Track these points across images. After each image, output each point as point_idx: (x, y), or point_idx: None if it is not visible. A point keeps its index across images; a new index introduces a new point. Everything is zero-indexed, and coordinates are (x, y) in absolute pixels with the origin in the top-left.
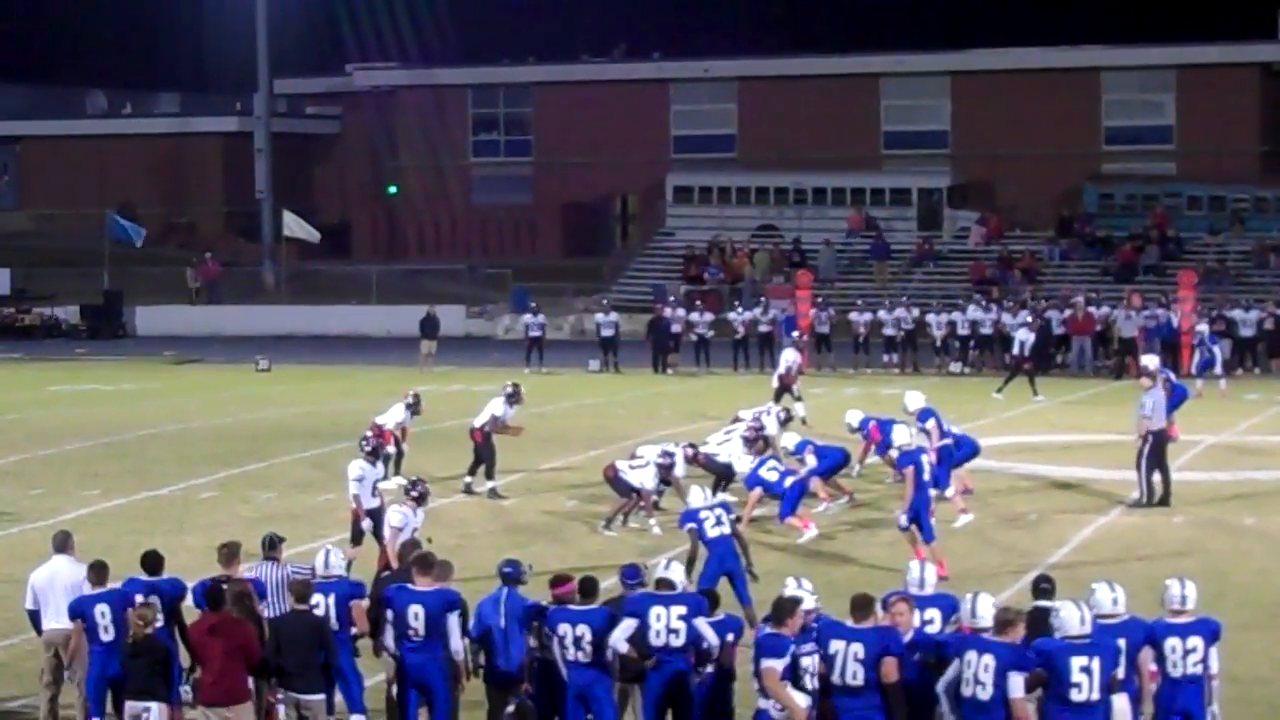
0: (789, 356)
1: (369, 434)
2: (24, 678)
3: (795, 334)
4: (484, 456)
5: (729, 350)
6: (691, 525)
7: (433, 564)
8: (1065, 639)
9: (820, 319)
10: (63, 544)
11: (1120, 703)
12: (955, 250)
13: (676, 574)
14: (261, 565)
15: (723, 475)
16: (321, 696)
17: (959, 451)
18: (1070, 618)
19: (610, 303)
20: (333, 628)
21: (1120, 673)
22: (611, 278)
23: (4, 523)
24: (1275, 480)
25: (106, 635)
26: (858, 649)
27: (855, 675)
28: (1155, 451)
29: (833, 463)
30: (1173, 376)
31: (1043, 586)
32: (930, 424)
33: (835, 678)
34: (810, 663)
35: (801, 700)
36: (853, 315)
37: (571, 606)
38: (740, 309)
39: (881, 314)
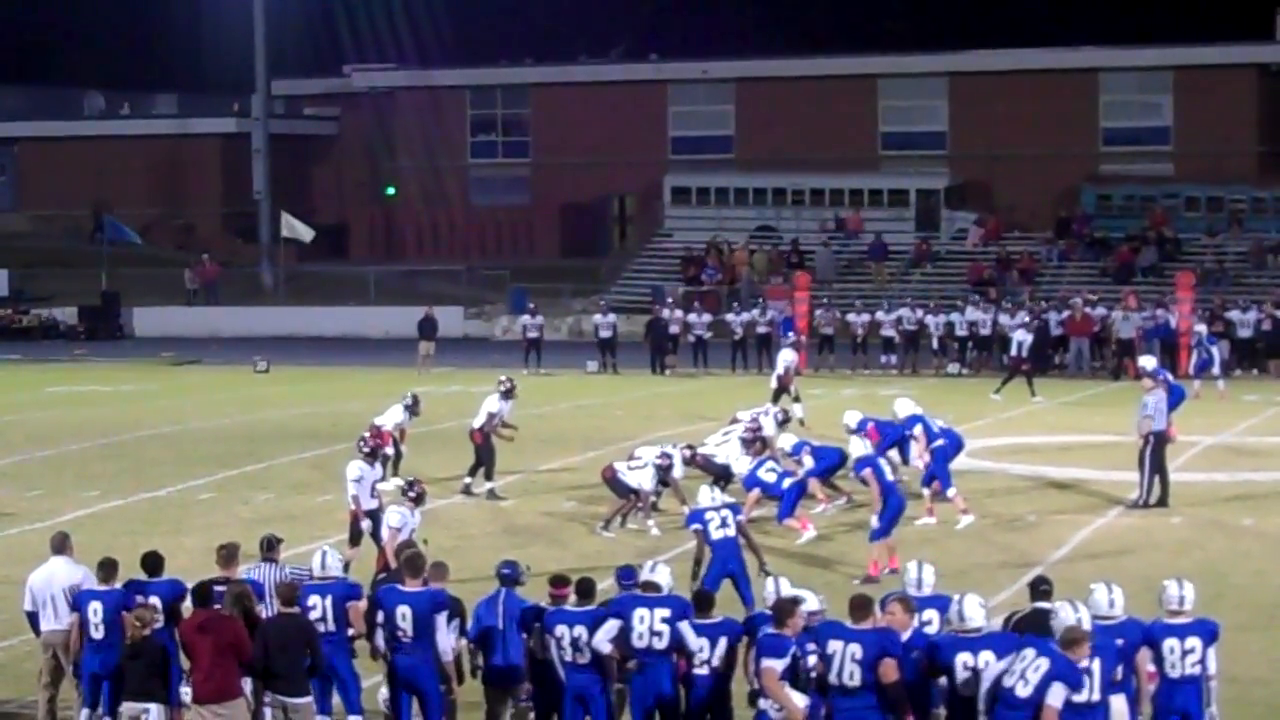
0: (787, 357)
1: (367, 435)
2: (22, 679)
3: (791, 335)
4: (483, 458)
5: (727, 351)
6: (697, 526)
7: (422, 565)
8: None
9: (823, 320)
10: (61, 545)
11: (1118, 703)
12: (953, 251)
13: (663, 576)
14: (259, 566)
15: (721, 476)
16: (308, 699)
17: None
18: (1068, 619)
19: (608, 304)
20: (330, 629)
21: (1118, 672)
22: (609, 279)
23: (2, 524)
24: (1273, 481)
25: (97, 633)
26: (855, 650)
27: (852, 676)
28: (1156, 452)
29: (830, 464)
30: (1170, 377)
31: (1041, 588)
32: (917, 430)
33: (833, 678)
34: (810, 662)
35: (800, 701)
36: (851, 316)
37: (569, 608)
38: (738, 310)
39: (879, 315)
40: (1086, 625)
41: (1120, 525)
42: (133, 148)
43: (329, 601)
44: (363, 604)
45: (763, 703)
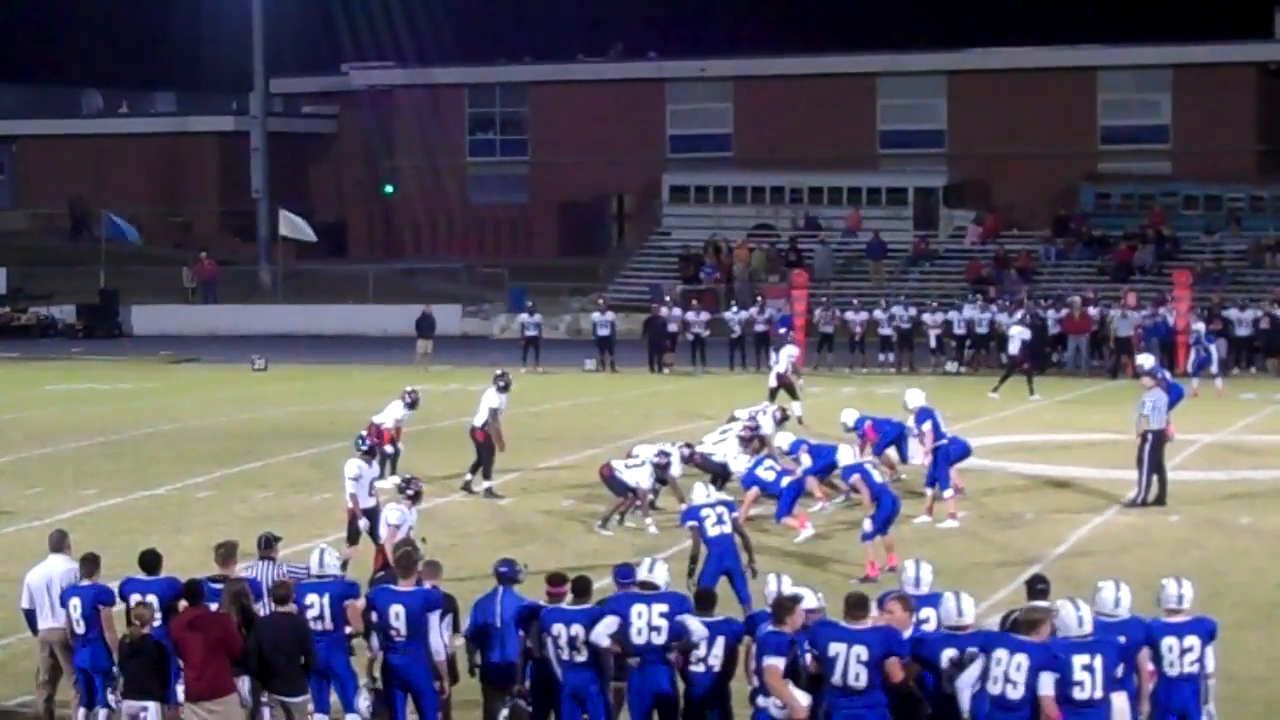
0: (790, 352)
1: (365, 433)
2: (20, 677)
3: (783, 331)
4: (483, 456)
5: (725, 349)
6: (693, 523)
7: (414, 564)
8: (1066, 638)
9: (823, 319)
10: (59, 543)
11: (1119, 701)
12: (951, 250)
13: (660, 575)
14: (257, 565)
15: (719, 475)
16: (305, 698)
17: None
18: (1069, 617)
19: (606, 302)
20: (327, 627)
21: (1119, 669)
22: (608, 277)
23: (1, 522)
24: (1271, 479)
25: (79, 628)
26: (860, 651)
27: (858, 677)
28: (1154, 451)
29: (828, 462)
30: (1168, 375)
31: (1039, 586)
32: (926, 426)
33: (836, 679)
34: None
35: (803, 699)
36: (849, 315)
37: (566, 606)
38: (736, 308)
39: (878, 313)
40: (1088, 623)
41: (1118, 524)
42: (131, 146)
43: (327, 600)
44: (360, 602)
45: (763, 700)
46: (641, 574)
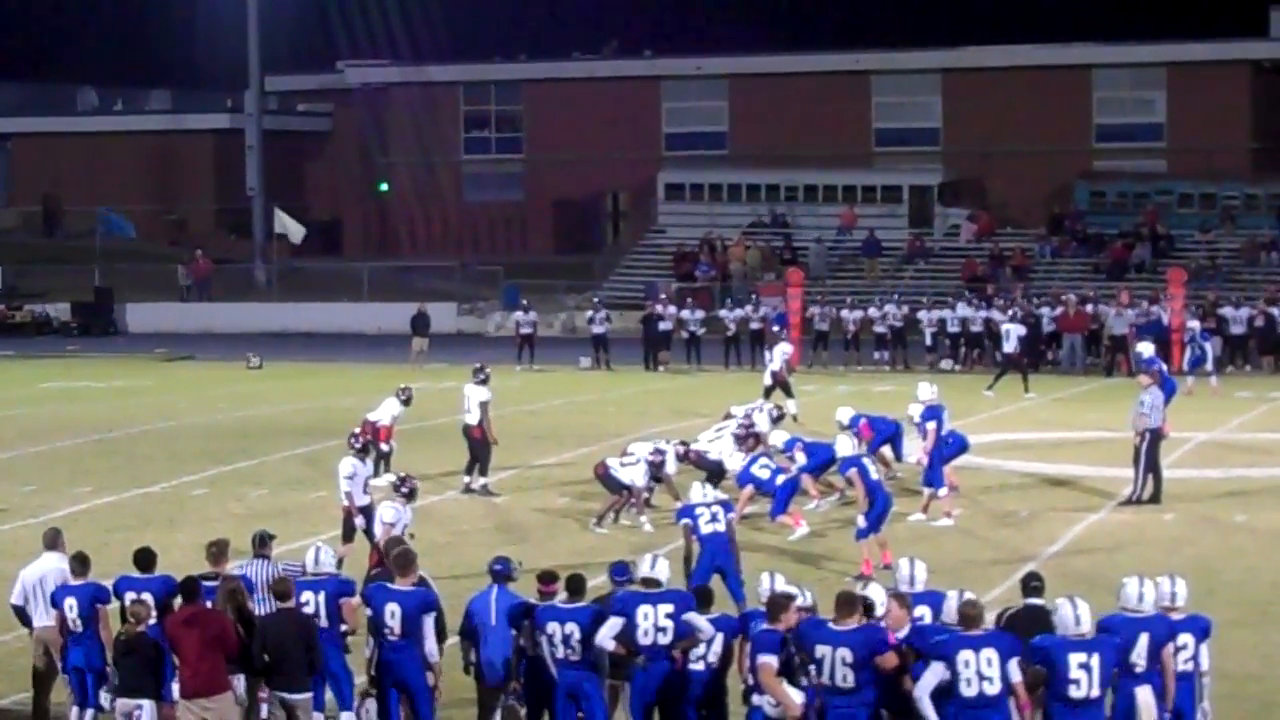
0: (784, 350)
1: (358, 431)
2: (15, 675)
3: (775, 329)
4: (479, 453)
5: (720, 348)
6: (686, 521)
7: (412, 563)
8: (1064, 636)
9: (818, 317)
10: (53, 541)
11: (1144, 695)
12: (946, 247)
13: (662, 571)
14: (252, 563)
15: (714, 473)
16: (308, 694)
17: (948, 449)
18: (1067, 616)
19: (601, 300)
20: (322, 625)
21: (1143, 664)
22: (603, 275)
23: None
24: (1266, 477)
25: (75, 627)
26: (845, 653)
27: (845, 678)
28: (1151, 449)
29: (822, 460)
30: (1164, 368)
31: (1033, 584)
32: (931, 425)
33: (825, 679)
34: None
35: (797, 696)
36: (844, 313)
37: (560, 604)
38: (731, 306)
39: (872, 311)
40: (1086, 622)
41: (1113, 521)
42: (126, 143)
43: (322, 598)
44: (356, 600)
45: (757, 698)
46: (644, 570)
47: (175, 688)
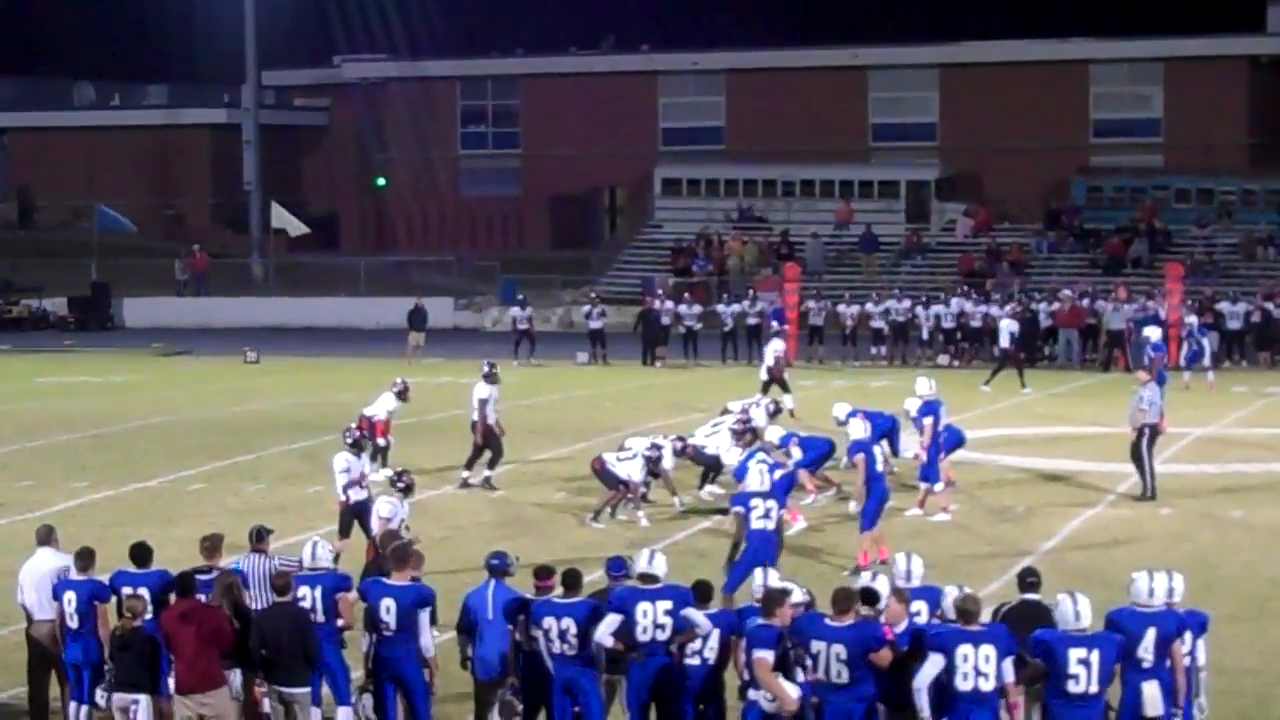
0: (776, 347)
1: (353, 426)
2: (12, 669)
3: (775, 325)
4: (494, 446)
5: (717, 342)
6: (739, 509)
7: (409, 558)
8: (1065, 631)
9: (813, 311)
10: (46, 538)
11: (1151, 689)
12: (943, 243)
13: (659, 566)
14: (249, 558)
15: (711, 467)
16: (306, 689)
17: (943, 444)
18: (1067, 611)
19: (598, 296)
20: (319, 620)
21: (1150, 659)
22: (599, 270)
23: None
24: (1263, 473)
25: (72, 622)
26: (839, 650)
27: (840, 674)
28: (1148, 445)
29: (818, 454)
30: (1165, 356)
31: (1029, 580)
32: (928, 421)
33: (820, 675)
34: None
35: (793, 691)
36: (840, 308)
37: (556, 599)
38: (728, 301)
39: (869, 306)
40: (1087, 617)
41: (1109, 517)
42: (123, 138)
43: (319, 592)
44: (353, 595)
45: (753, 694)
46: (641, 565)
47: (171, 682)
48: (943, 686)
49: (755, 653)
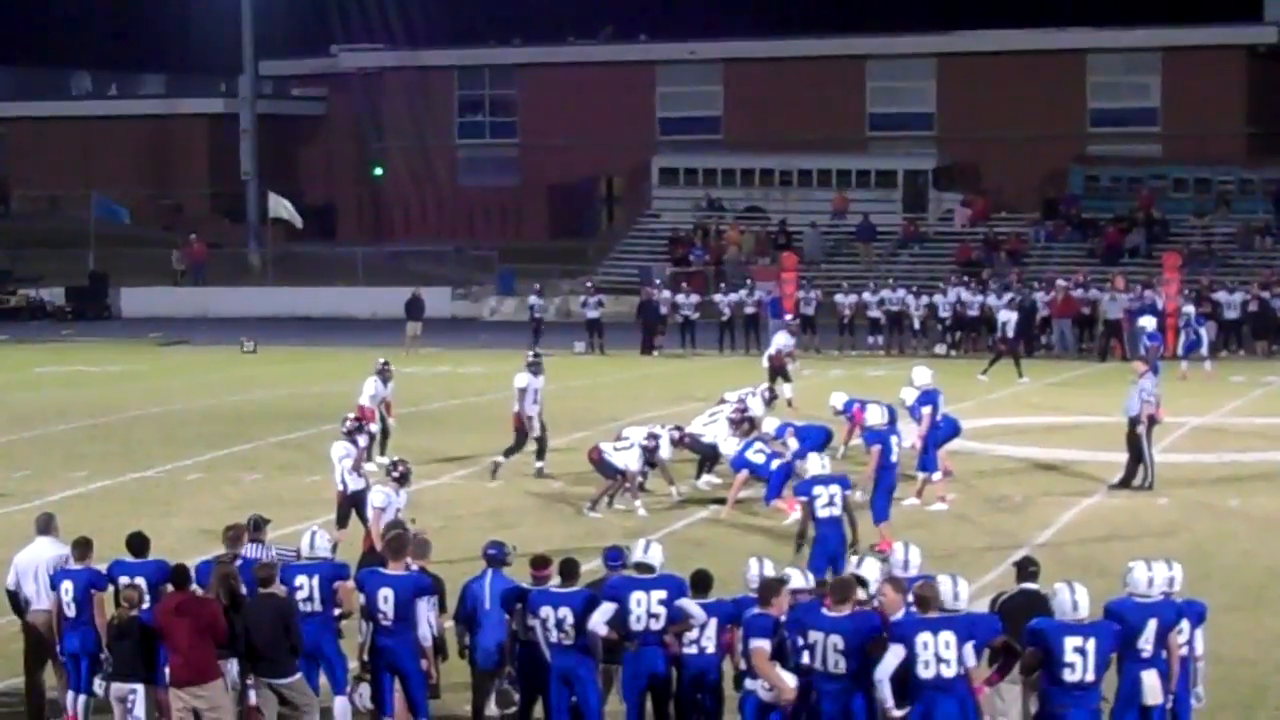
0: (779, 340)
1: (350, 415)
2: (9, 659)
3: (787, 317)
4: (518, 438)
5: (715, 332)
6: (803, 499)
7: (405, 547)
8: (1061, 620)
9: (805, 300)
10: (45, 526)
11: (1150, 679)
12: (941, 232)
13: (655, 556)
14: (247, 547)
15: (708, 457)
16: (295, 678)
17: (940, 433)
18: (1064, 600)
19: (595, 285)
20: (316, 609)
21: (1150, 649)
22: (597, 259)
23: None
24: (1260, 462)
25: (69, 611)
26: (836, 640)
27: (837, 665)
28: (1145, 435)
29: (815, 442)
30: (1162, 345)
31: (1029, 569)
32: (926, 410)
33: (817, 664)
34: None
35: (791, 680)
36: (838, 297)
37: (553, 589)
38: (726, 291)
39: (866, 296)
40: (1084, 606)
41: (1107, 506)
42: (120, 128)
43: (316, 581)
44: (350, 584)
45: (750, 683)
46: (637, 555)
47: (168, 672)
48: (905, 676)
49: (752, 642)
